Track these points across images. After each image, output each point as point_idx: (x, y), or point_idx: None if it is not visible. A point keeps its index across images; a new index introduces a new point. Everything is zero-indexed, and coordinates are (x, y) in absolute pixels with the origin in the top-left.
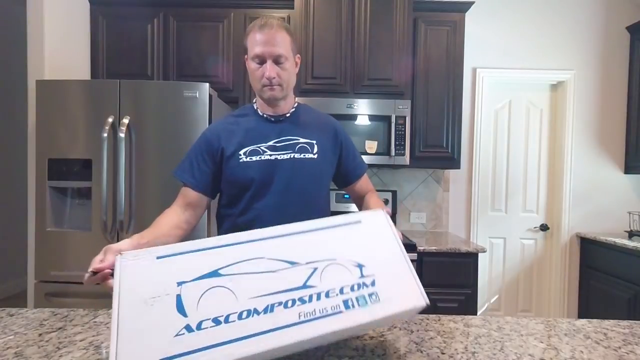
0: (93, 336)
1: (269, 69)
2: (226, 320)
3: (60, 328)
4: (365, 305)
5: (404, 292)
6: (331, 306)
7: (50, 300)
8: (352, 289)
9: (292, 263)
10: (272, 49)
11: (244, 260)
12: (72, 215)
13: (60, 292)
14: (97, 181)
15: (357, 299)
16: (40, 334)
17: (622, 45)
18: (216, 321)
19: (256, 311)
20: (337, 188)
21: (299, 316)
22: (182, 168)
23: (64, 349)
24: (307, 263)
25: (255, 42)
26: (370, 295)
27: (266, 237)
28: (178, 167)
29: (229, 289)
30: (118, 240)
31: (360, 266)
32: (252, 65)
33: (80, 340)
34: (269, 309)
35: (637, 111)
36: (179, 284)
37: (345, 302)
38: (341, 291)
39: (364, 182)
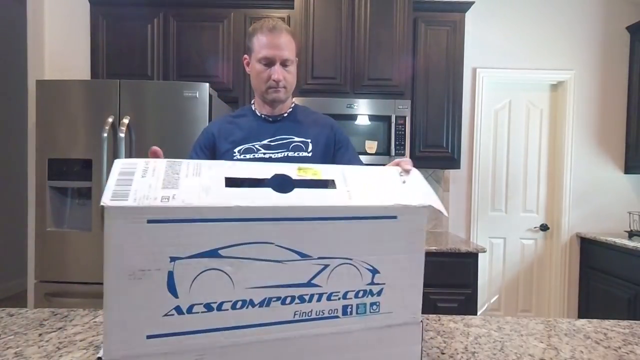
0: (93, 336)
1: (278, 71)
2: (219, 308)
3: (60, 328)
4: (364, 314)
5: (405, 307)
6: (329, 309)
7: (50, 300)
8: (356, 295)
9: (302, 255)
10: (281, 53)
11: (250, 243)
12: (72, 215)
13: (60, 292)
14: (97, 181)
15: (357, 306)
16: (40, 334)
17: (622, 45)
18: (208, 307)
19: (252, 302)
20: None
21: (294, 314)
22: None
23: (64, 349)
24: (318, 258)
25: (264, 45)
26: (372, 304)
27: (282, 218)
28: None
29: (227, 274)
30: None
31: (374, 272)
32: (257, 66)
33: (80, 340)
34: (265, 302)
35: (637, 111)
36: (172, 259)
37: (345, 308)
38: (344, 296)
39: None
